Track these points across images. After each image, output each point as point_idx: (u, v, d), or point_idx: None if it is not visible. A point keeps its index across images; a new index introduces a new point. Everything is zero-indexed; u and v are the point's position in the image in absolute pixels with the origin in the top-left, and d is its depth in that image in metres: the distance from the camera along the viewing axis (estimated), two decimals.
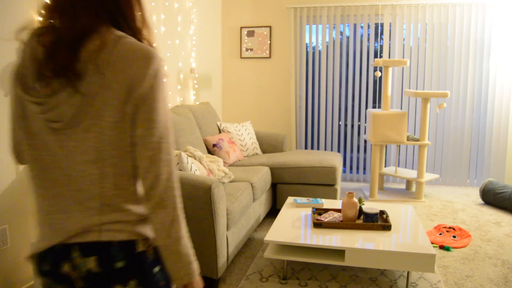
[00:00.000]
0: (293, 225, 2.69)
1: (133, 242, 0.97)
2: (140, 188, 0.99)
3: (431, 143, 4.91)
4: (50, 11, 0.94)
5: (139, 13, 1.01)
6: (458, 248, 3.08)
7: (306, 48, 5.11)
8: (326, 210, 2.91)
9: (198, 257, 2.40)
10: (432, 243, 3.13)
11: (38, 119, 0.95)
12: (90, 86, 0.90)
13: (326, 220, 2.68)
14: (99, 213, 0.95)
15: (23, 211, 2.30)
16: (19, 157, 1.10)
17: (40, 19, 0.97)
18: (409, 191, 4.64)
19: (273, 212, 3.86)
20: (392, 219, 2.80)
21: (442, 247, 3.08)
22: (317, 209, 2.93)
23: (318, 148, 5.22)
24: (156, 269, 1.01)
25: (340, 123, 5.16)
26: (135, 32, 0.99)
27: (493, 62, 4.66)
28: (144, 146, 0.93)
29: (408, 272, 2.44)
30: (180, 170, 2.53)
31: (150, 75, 0.96)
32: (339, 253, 2.49)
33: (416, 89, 4.90)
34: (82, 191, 0.95)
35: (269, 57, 5.20)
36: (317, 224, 2.62)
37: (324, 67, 5.05)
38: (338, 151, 5.20)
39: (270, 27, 5.14)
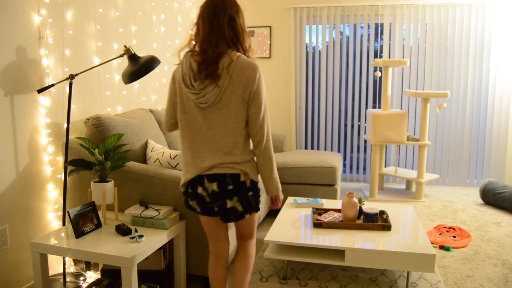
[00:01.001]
0: (293, 225, 2.69)
1: (238, 175, 1.74)
2: (247, 143, 1.77)
3: (431, 143, 4.92)
4: (202, 41, 1.71)
5: (249, 42, 1.77)
6: (458, 248, 3.08)
7: (306, 48, 5.11)
8: (326, 210, 2.91)
9: (198, 257, 2.40)
10: (432, 243, 3.13)
11: (192, 102, 1.73)
12: (224, 83, 1.67)
13: (326, 220, 2.68)
14: (221, 158, 1.72)
15: (23, 211, 2.30)
16: (170, 127, 1.89)
17: (193, 43, 1.75)
18: (409, 191, 4.64)
19: (273, 212, 3.86)
20: (392, 219, 2.80)
21: (442, 247, 3.08)
22: (317, 209, 2.93)
23: (318, 148, 5.22)
24: (250, 193, 1.78)
25: (340, 123, 5.16)
26: (246, 53, 1.76)
27: (493, 62, 4.66)
28: (255, 119, 1.72)
29: (408, 272, 2.44)
30: (180, 170, 2.53)
31: (257, 78, 1.70)
32: (339, 253, 2.49)
33: (416, 89, 4.90)
34: (213, 145, 1.72)
35: (269, 57, 5.20)
36: (317, 224, 2.62)
37: (324, 67, 5.05)
38: (338, 151, 5.20)
39: (270, 27, 5.14)
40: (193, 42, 1.76)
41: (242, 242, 1.96)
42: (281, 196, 1.89)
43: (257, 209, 1.84)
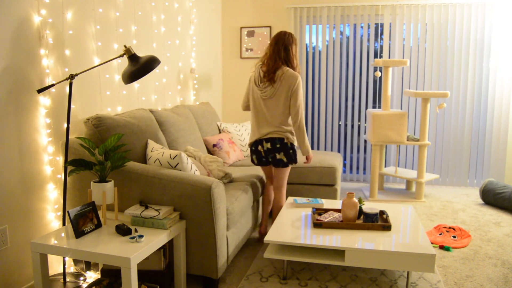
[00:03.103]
0: (293, 225, 2.69)
1: (283, 138, 2.95)
2: (289, 121, 2.97)
3: (431, 143, 4.92)
4: (267, 59, 2.95)
5: (296, 63, 2.97)
6: (458, 248, 3.08)
7: (306, 48, 5.11)
8: (326, 210, 2.91)
9: (198, 257, 2.40)
10: (432, 243, 3.13)
11: (257, 95, 2.98)
12: (277, 85, 2.90)
13: (326, 220, 2.68)
14: (273, 128, 2.94)
15: (23, 211, 2.30)
16: (245, 108, 3.17)
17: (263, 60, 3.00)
18: (409, 191, 4.64)
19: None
20: (392, 219, 2.80)
21: (442, 247, 3.08)
22: (317, 209, 2.93)
23: (318, 148, 5.22)
24: (291, 151, 2.99)
25: (340, 123, 5.16)
26: (294, 68, 2.95)
27: (493, 62, 4.66)
28: (294, 107, 2.91)
29: (408, 272, 2.44)
30: (180, 171, 2.53)
31: (296, 83, 2.89)
32: (339, 253, 2.49)
33: (416, 89, 4.90)
34: (269, 120, 2.95)
35: None
36: (317, 224, 2.62)
37: (324, 67, 5.05)
38: (338, 151, 5.20)
39: (270, 27, 5.14)
40: (263, 60, 2.99)
41: (276, 192, 3.15)
42: (311, 155, 3.04)
43: (296, 161, 3.03)
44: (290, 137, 2.96)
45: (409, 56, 4.85)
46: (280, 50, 2.91)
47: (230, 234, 2.58)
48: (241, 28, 5.22)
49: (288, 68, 2.90)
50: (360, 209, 2.75)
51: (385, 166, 5.00)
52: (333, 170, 3.67)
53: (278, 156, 2.96)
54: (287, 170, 3.08)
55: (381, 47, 4.98)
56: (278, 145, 2.94)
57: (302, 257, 2.47)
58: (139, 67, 2.37)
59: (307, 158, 3.03)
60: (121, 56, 2.44)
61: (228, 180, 3.12)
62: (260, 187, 3.24)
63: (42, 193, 2.42)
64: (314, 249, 2.57)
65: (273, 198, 3.24)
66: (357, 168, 5.24)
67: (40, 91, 2.28)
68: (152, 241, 2.02)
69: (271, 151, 2.96)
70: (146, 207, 2.31)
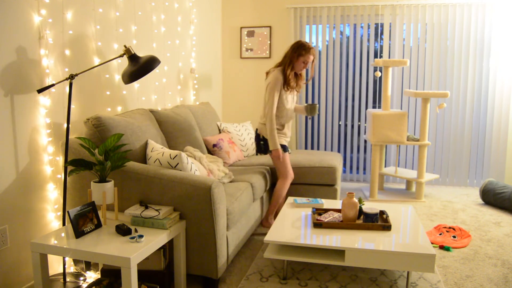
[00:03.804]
0: (293, 225, 2.69)
1: (257, 129, 3.38)
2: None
3: (431, 143, 4.92)
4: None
5: (288, 65, 3.23)
6: (458, 248, 3.08)
7: None
8: (326, 210, 2.91)
9: (198, 257, 2.40)
10: (432, 243, 3.13)
11: (285, 96, 3.26)
12: (265, 82, 3.34)
13: (326, 220, 2.68)
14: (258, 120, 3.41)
15: (23, 211, 2.30)
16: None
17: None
18: (409, 191, 4.64)
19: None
20: (392, 219, 2.80)
21: (442, 247, 3.08)
22: (317, 209, 2.93)
23: (318, 148, 5.22)
24: (261, 142, 3.33)
25: (340, 123, 5.16)
26: (285, 70, 3.23)
27: (493, 62, 4.66)
28: (264, 103, 3.24)
29: (408, 272, 2.44)
30: (180, 170, 2.53)
31: (269, 81, 3.20)
32: (339, 253, 2.49)
33: (416, 89, 4.90)
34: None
35: (269, 57, 5.20)
36: (317, 224, 2.62)
37: (324, 67, 5.05)
38: (338, 151, 5.20)
39: (270, 27, 5.14)
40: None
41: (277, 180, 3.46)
42: (276, 153, 3.21)
43: (265, 152, 3.34)
44: (261, 128, 3.30)
45: (409, 56, 4.85)
46: (284, 55, 3.26)
47: (230, 234, 2.58)
48: (241, 28, 5.22)
49: (277, 68, 3.22)
50: (360, 209, 2.75)
51: (385, 166, 5.00)
52: (333, 170, 3.67)
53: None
54: (275, 158, 3.29)
55: (381, 47, 4.98)
56: (256, 134, 3.39)
57: (302, 257, 2.47)
58: (139, 67, 2.37)
59: (271, 154, 3.25)
60: (121, 56, 2.44)
61: (228, 180, 3.12)
62: (259, 187, 3.24)
63: (42, 193, 2.42)
64: (314, 249, 2.57)
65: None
66: (357, 168, 5.24)
67: (40, 91, 2.28)
68: (152, 241, 2.02)
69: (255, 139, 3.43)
70: (146, 207, 2.31)
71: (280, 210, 3.42)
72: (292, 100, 3.36)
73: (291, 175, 3.41)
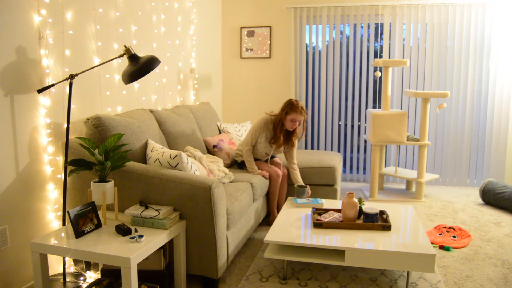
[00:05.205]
0: (293, 225, 2.69)
1: (234, 157, 3.72)
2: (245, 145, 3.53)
3: (431, 143, 4.91)
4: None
5: (279, 119, 3.43)
6: (458, 248, 3.08)
7: (306, 48, 5.11)
8: (326, 210, 2.91)
9: (198, 257, 2.40)
10: (432, 243, 3.13)
11: (264, 144, 3.48)
12: None
13: (326, 220, 2.68)
14: None
15: (23, 211, 2.30)
16: None
17: None
18: (409, 191, 4.64)
19: None
20: (392, 219, 2.80)
21: (442, 247, 3.08)
22: (317, 209, 2.93)
23: (318, 148, 5.22)
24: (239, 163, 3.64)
25: (340, 123, 5.16)
26: (275, 119, 3.46)
27: (493, 62, 4.66)
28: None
29: (408, 272, 2.44)
30: (180, 170, 2.53)
31: (254, 124, 3.49)
32: (339, 253, 2.49)
33: (416, 89, 4.90)
34: None
35: (269, 57, 5.20)
36: (317, 224, 2.62)
37: (324, 67, 5.05)
38: (338, 151, 5.20)
39: (270, 27, 5.14)
40: None
41: None
42: (255, 173, 3.38)
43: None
44: (236, 156, 3.63)
45: (409, 56, 4.85)
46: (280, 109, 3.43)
47: (230, 234, 2.58)
48: (241, 28, 5.22)
49: (272, 117, 3.44)
50: (360, 209, 2.75)
51: (385, 166, 5.00)
52: (333, 170, 3.67)
53: None
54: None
55: (381, 47, 4.98)
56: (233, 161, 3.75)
57: (302, 257, 2.47)
58: (139, 67, 2.37)
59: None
60: (121, 56, 2.44)
61: (228, 180, 3.12)
62: (259, 187, 3.24)
63: (42, 193, 2.42)
64: (314, 249, 2.57)
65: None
66: (357, 168, 5.24)
67: (40, 91, 2.28)
68: (152, 241, 2.02)
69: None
70: (146, 207, 2.31)
71: (281, 208, 3.47)
72: (271, 149, 3.48)
73: (276, 174, 3.44)
